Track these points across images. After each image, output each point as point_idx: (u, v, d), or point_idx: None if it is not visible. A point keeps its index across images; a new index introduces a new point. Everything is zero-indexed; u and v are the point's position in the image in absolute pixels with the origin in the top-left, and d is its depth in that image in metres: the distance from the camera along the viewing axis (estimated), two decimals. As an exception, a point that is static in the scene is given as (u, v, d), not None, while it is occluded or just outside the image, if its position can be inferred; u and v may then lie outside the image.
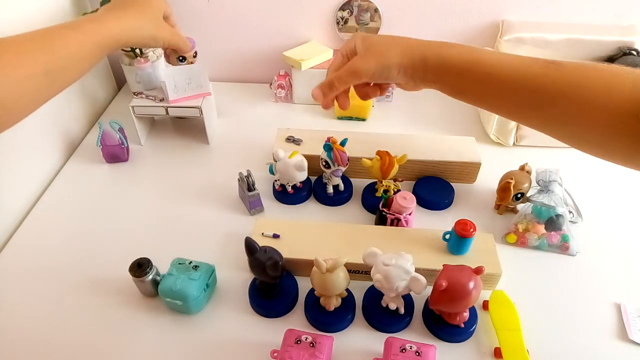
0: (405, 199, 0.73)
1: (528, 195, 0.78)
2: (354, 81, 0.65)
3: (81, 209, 0.82)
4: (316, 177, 0.85)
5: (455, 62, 0.60)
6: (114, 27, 0.60)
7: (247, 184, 0.78)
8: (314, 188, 0.85)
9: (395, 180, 0.82)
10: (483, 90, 0.58)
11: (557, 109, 0.51)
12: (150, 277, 0.65)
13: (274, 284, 0.66)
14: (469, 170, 0.86)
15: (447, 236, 0.70)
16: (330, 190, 0.82)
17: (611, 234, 0.78)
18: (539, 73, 0.52)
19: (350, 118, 1.04)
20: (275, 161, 0.80)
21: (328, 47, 1.05)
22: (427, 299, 0.65)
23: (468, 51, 0.61)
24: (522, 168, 0.80)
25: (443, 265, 0.60)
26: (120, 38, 0.61)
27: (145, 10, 0.66)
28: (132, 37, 0.63)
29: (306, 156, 0.79)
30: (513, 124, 0.92)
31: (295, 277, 0.70)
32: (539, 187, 0.76)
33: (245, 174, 0.78)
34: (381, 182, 0.81)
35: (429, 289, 0.61)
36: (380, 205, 0.76)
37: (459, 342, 0.63)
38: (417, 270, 0.60)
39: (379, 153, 0.77)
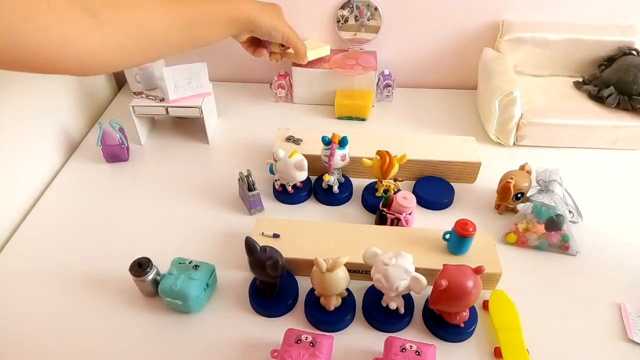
0: (405, 199, 0.73)
1: (528, 195, 0.78)
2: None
3: (81, 208, 0.82)
4: (316, 177, 0.85)
5: None
6: (247, 6, 0.67)
7: (247, 184, 0.78)
8: (314, 188, 0.85)
9: (395, 180, 0.82)
10: None
11: None
12: (151, 276, 0.65)
13: (274, 284, 0.66)
14: (469, 170, 0.86)
15: (447, 236, 0.70)
16: (329, 185, 0.82)
17: (611, 234, 0.78)
18: None
19: (350, 118, 1.04)
20: (275, 161, 0.80)
21: (326, 43, 1.05)
22: (427, 299, 0.65)
23: None
24: (522, 168, 0.80)
25: (443, 265, 0.60)
26: (251, 17, 0.67)
27: (272, 4, 0.74)
28: (259, 21, 0.69)
29: (306, 156, 0.79)
30: (513, 123, 0.92)
31: (295, 276, 0.70)
32: (539, 187, 0.76)
33: (245, 173, 0.78)
34: (381, 182, 0.81)
35: (429, 289, 0.61)
36: (380, 205, 0.76)
37: (459, 341, 0.63)
38: (417, 269, 0.60)
39: (379, 153, 0.77)
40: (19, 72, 0.47)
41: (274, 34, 0.73)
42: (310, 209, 0.83)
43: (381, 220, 0.76)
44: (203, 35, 0.64)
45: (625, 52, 0.97)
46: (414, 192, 0.83)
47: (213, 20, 0.64)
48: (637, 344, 0.63)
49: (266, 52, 0.82)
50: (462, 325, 0.62)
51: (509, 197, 0.77)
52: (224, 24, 0.65)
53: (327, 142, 0.79)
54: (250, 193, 0.78)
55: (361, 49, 1.08)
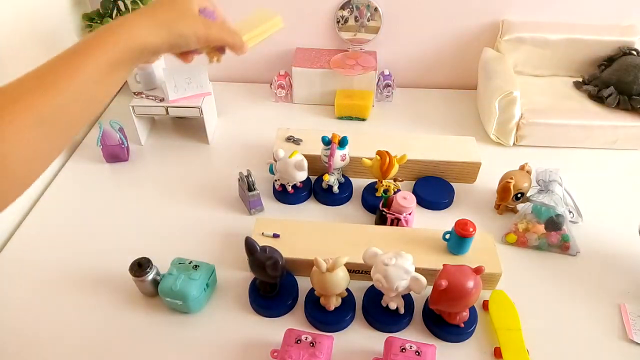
0: (405, 199, 0.73)
1: (528, 195, 0.78)
2: None
3: (81, 208, 0.82)
4: (316, 177, 0.85)
5: None
6: (122, 37, 0.49)
7: (247, 184, 0.78)
8: (314, 188, 0.85)
9: (395, 180, 0.82)
10: None
11: None
12: (151, 276, 0.65)
13: (274, 284, 0.66)
14: (469, 170, 0.86)
15: (447, 236, 0.70)
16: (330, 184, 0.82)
17: (611, 234, 0.78)
18: None
19: (350, 118, 1.04)
20: (275, 161, 0.80)
21: (274, 13, 0.77)
22: (427, 299, 0.65)
23: None
24: (522, 168, 0.80)
25: (443, 265, 0.60)
26: (134, 47, 0.50)
27: (166, 7, 0.55)
28: (152, 41, 0.51)
29: (306, 156, 0.79)
30: (513, 123, 0.92)
31: (295, 277, 0.70)
32: (539, 187, 0.76)
33: (245, 173, 0.78)
34: (381, 182, 0.81)
35: (429, 289, 0.61)
36: (380, 205, 0.76)
37: (459, 341, 0.63)
38: (417, 270, 0.60)
39: (379, 153, 0.77)
40: None
41: (182, 43, 0.55)
42: (310, 209, 0.83)
43: (381, 220, 0.76)
44: (77, 119, 0.47)
45: (625, 52, 0.97)
46: (414, 192, 0.83)
47: (77, 95, 0.45)
48: (637, 344, 0.63)
49: (196, 54, 0.63)
50: (462, 325, 0.62)
51: (509, 197, 0.77)
52: (96, 86, 0.47)
53: (327, 142, 0.79)
54: (250, 193, 0.78)
55: (361, 49, 1.08)
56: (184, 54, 0.61)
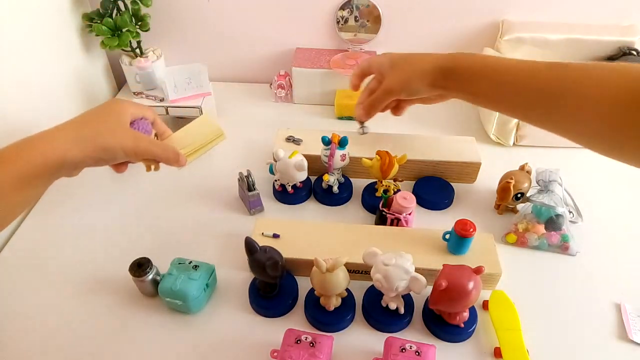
0: (405, 199, 0.73)
1: (528, 195, 0.78)
2: (389, 98, 0.72)
3: (81, 208, 0.82)
4: (316, 177, 0.85)
5: (472, 68, 0.63)
6: (38, 150, 0.46)
7: (247, 184, 0.78)
8: (314, 188, 0.85)
9: (395, 180, 0.82)
10: (498, 93, 0.61)
11: (561, 106, 0.53)
12: (150, 277, 0.65)
13: (274, 284, 0.66)
14: (469, 170, 0.86)
15: (447, 236, 0.70)
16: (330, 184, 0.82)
17: (611, 234, 0.78)
18: (546, 74, 0.55)
19: (350, 118, 1.04)
20: (275, 161, 0.80)
21: (217, 126, 0.74)
22: (427, 299, 0.65)
23: (481, 58, 0.64)
24: (522, 168, 0.80)
25: (443, 265, 0.60)
26: (51, 161, 0.47)
27: (94, 120, 0.52)
28: (73, 155, 0.48)
29: (306, 156, 0.79)
30: (513, 123, 0.92)
31: (295, 277, 0.70)
32: (539, 187, 0.76)
33: (245, 174, 0.78)
34: (381, 182, 0.81)
35: (429, 289, 0.61)
36: (380, 205, 0.76)
37: (459, 342, 0.63)
38: (417, 270, 0.60)
39: (379, 153, 0.77)
40: None
41: (107, 157, 0.52)
42: (310, 209, 0.83)
43: (381, 221, 0.76)
44: None
45: (625, 52, 0.97)
46: (414, 192, 0.83)
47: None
48: (637, 344, 0.63)
49: (129, 164, 0.62)
50: (462, 325, 0.62)
51: (509, 197, 0.77)
52: (19, 190, 0.45)
53: (327, 142, 0.79)
54: (250, 193, 0.78)
55: (361, 49, 1.08)
56: (117, 165, 0.60)
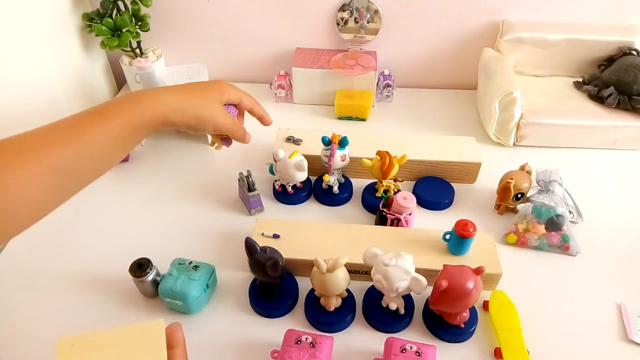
0: (405, 199, 0.73)
1: (528, 195, 0.78)
2: None
3: (81, 209, 0.82)
4: (316, 178, 0.85)
5: None
6: (147, 108, 0.52)
7: (248, 184, 0.78)
8: (314, 188, 0.85)
9: (395, 180, 0.82)
10: None
11: None
12: (151, 277, 0.65)
13: (274, 284, 0.66)
14: (469, 170, 0.86)
15: (447, 236, 0.70)
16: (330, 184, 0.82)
17: (611, 234, 0.78)
18: None
19: (350, 118, 1.04)
20: (275, 161, 0.80)
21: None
22: (427, 299, 0.65)
23: None
24: (522, 168, 0.80)
25: (443, 266, 0.60)
26: (155, 119, 0.53)
27: (198, 92, 0.59)
28: (174, 118, 0.55)
29: (306, 156, 0.79)
30: (513, 123, 0.92)
31: (295, 277, 0.70)
32: (539, 187, 0.76)
33: (245, 174, 0.78)
34: (381, 182, 0.81)
35: (429, 289, 0.61)
36: (381, 205, 0.76)
37: (459, 342, 0.63)
38: (417, 270, 0.60)
39: (379, 153, 0.77)
40: None
41: (200, 127, 0.59)
42: (310, 209, 0.83)
43: (381, 221, 0.76)
44: (89, 174, 0.50)
45: (625, 52, 0.97)
46: (414, 192, 0.83)
47: (93, 153, 0.48)
48: (637, 344, 0.63)
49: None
50: (463, 325, 0.62)
51: (509, 197, 0.77)
52: (111, 148, 0.49)
53: (327, 142, 0.79)
54: (250, 193, 0.78)
55: (361, 49, 1.08)
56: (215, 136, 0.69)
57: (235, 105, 0.66)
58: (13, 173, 0.41)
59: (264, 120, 0.71)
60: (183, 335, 0.44)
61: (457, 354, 0.62)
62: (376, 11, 1.02)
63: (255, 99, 0.68)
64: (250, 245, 0.62)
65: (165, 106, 0.54)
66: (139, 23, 0.98)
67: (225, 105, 0.63)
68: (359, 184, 0.85)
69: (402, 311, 0.63)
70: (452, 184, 0.85)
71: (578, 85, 1.02)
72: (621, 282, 0.71)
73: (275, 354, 0.58)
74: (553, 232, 0.74)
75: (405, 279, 0.59)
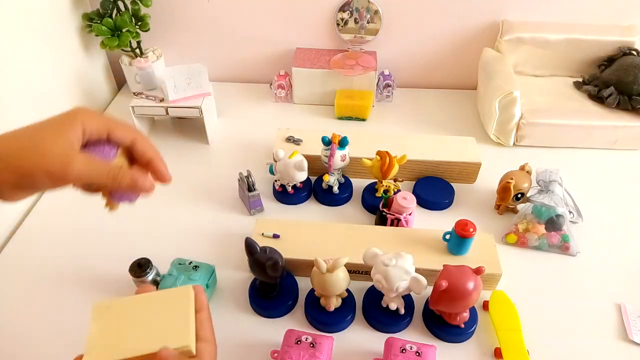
0: (405, 199, 0.73)
1: (528, 195, 0.78)
2: None
3: (81, 209, 0.82)
4: (316, 178, 0.85)
5: None
6: None
7: (247, 184, 0.77)
8: (314, 188, 0.85)
9: (395, 180, 0.82)
10: None
11: None
12: (151, 277, 0.65)
13: (274, 284, 0.66)
14: (469, 171, 0.86)
15: (447, 236, 0.70)
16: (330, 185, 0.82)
17: (611, 234, 0.78)
18: None
19: (350, 118, 1.04)
20: (275, 161, 0.80)
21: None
22: (427, 299, 0.65)
23: None
24: (522, 168, 0.80)
25: (443, 266, 0.60)
26: None
27: (29, 132, 0.40)
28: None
29: (306, 156, 0.79)
30: (513, 123, 0.92)
31: (295, 277, 0.70)
32: (539, 187, 0.76)
33: (245, 174, 0.78)
34: (381, 182, 0.81)
35: (429, 289, 0.61)
36: (381, 206, 0.76)
37: (459, 342, 0.63)
38: (417, 270, 0.60)
39: (379, 153, 0.77)
40: None
41: (26, 184, 0.39)
42: (310, 209, 0.83)
43: (381, 221, 0.76)
44: None
45: (625, 52, 0.97)
46: (414, 192, 0.83)
47: None
48: (637, 344, 0.63)
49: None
50: (463, 325, 0.62)
51: (509, 197, 0.77)
52: None
53: (327, 142, 0.79)
54: (250, 193, 0.78)
55: (361, 49, 1.08)
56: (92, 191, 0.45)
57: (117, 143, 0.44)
58: None
59: (159, 175, 0.48)
60: (207, 300, 0.42)
61: (457, 354, 0.62)
62: (376, 11, 1.02)
63: (146, 138, 0.46)
64: (250, 245, 0.62)
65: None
66: (139, 23, 0.98)
67: (92, 146, 0.43)
68: (359, 184, 0.85)
69: (402, 311, 0.63)
70: (452, 184, 0.85)
71: (578, 85, 1.02)
72: (621, 282, 0.71)
73: (275, 354, 0.58)
74: (553, 232, 0.74)
75: (405, 279, 0.59)
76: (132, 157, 0.46)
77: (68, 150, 0.40)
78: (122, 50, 1.00)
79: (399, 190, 0.81)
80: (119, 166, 0.43)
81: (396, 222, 0.74)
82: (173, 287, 0.43)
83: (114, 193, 0.45)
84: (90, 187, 0.44)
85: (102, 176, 0.42)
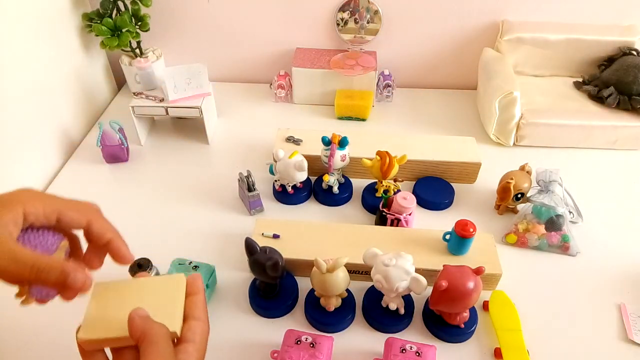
0: (405, 199, 0.73)
1: (528, 195, 0.78)
2: None
3: (81, 209, 0.82)
4: (316, 178, 0.85)
5: None
6: None
7: (247, 184, 0.77)
8: (314, 188, 0.85)
9: (395, 180, 0.82)
10: None
11: None
12: (150, 277, 0.65)
13: (274, 284, 0.66)
14: (469, 171, 0.86)
15: (447, 236, 0.70)
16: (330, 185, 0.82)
17: (611, 234, 0.78)
18: None
19: (350, 118, 1.04)
20: (275, 161, 0.80)
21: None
22: (427, 300, 0.65)
23: None
24: (522, 168, 0.80)
25: (443, 266, 0.60)
26: None
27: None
28: None
29: (306, 156, 0.79)
30: (513, 123, 0.92)
31: (295, 277, 0.70)
32: (539, 187, 0.76)
33: (245, 174, 0.78)
34: (381, 182, 0.81)
35: (429, 289, 0.61)
36: (380, 206, 0.76)
37: (459, 342, 0.63)
38: (417, 270, 0.60)
39: (379, 153, 0.77)
40: None
41: None
42: (310, 209, 0.83)
43: (381, 221, 0.76)
44: None
45: (625, 52, 0.97)
46: (414, 192, 0.83)
47: None
48: (637, 344, 0.63)
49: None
50: (463, 325, 0.62)
51: (509, 197, 0.77)
52: None
53: (327, 142, 0.79)
54: (250, 193, 0.78)
55: (361, 49, 1.08)
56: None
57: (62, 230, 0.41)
58: None
59: (119, 257, 0.43)
60: (203, 285, 0.43)
61: (457, 354, 0.62)
62: (376, 11, 1.02)
63: (102, 217, 0.44)
64: (250, 245, 0.62)
65: None
66: (139, 23, 0.98)
67: (34, 232, 0.39)
68: (359, 184, 0.85)
69: (402, 311, 0.63)
70: (452, 184, 0.85)
71: (578, 85, 1.02)
72: (621, 282, 0.71)
73: (275, 354, 0.58)
74: (553, 232, 0.74)
75: (405, 279, 0.59)
76: (89, 239, 0.42)
77: (12, 243, 0.36)
78: (122, 50, 1.00)
79: (399, 190, 0.81)
80: (45, 262, 0.37)
81: (396, 222, 0.74)
82: (166, 275, 0.46)
83: (33, 288, 0.41)
84: (9, 280, 0.37)
85: (24, 272, 0.36)
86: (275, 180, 0.83)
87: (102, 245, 0.43)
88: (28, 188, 0.40)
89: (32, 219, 0.38)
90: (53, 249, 0.42)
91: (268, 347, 0.60)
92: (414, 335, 0.64)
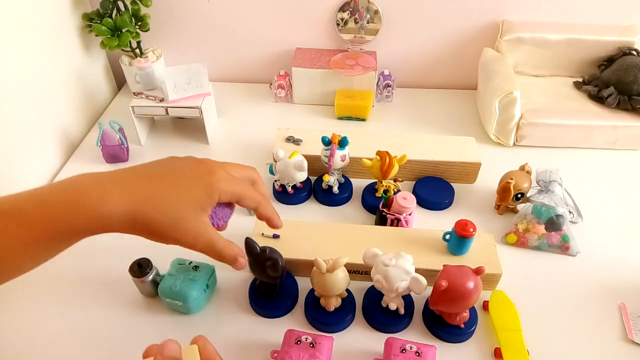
0: (405, 199, 0.73)
1: (528, 195, 0.78)
2: None
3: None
4: (316, 178, 0.85)
5: None
6: (82, 216, 0.39)
7: (247, 184, 0.77)
8: (314, 188, 0.85)
9: (395, 180, 0.82)
10: None
11: None
12: (150, 277, 0.65)
13: (274, 284, 0.66)
14: (469, 171, 0.86)
15: (447, 236, 0.70)
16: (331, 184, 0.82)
17: (611, 234, 0.78)
18: None
19: (350, 118, 1.04)
20: (275, 161, 0.80)
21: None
22: (427, 300, 0.65)
23: None
24: (522, 168, 0.80)
25: (443, 266, 0.60)
26: (91, 229, 0.41)
27: (165, 189, 0.42)
28: (114, 228, 0.41)
29: (306, 156, 0.79)
30: (513, 123, 0.92)
31: (295, 277, 0.70)
32: (539, 187, 0.76)
33: (245, 174, 0.78)
34: (381, 182, 0.81)
35: (429, 289, 0.61)
36: (380, 206, 0.76)
37: (459, 342, 0.63)
38: (417, 270, 0.60)
39: (379, 153, 0.77)
40: None
41: (158, 240, 0.45)
42: (310, 209, 0.83)
43: (381, 221, 0.76)
44: None
45: (625, 52, 0.97)
46: (414, 192, 0.83)
47: None
48: (637, 344, 0.63)
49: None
50: (462, 326, 0.62)
51: (509, 197, 0.77)
52: (16, 258, 0.42)
53: (327, 142, 0.79)
54: (250, 193, 0.78)
55: (361, 49, 1.08)
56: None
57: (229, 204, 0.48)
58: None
59: (271, 223, 0.53)
60: (212, 346, 0.40)
61: (457, 354, 0.62)
62: (376, 11, 1.02)
63: (263, 190, 0.52)
64: (250, 245, 0.62)
65: (108, 216, 0.40)
66: (139, 23, 0.98)
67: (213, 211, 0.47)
68: (359, 184, 0.85)
69: (402, 311, 0.63)
70: (452, 184, 0.85)
71: (578, 85, 1.02)
72: (621, 282, 0.71)
73: (275, 354, 0.58)
74: (553, 232, 0.74)
75: (405, 279, 0.59)
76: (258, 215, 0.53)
77: (202, 232, 0.46)
78: (122, 50, 1.00)
79: (399, 190, 0.81)
80: (227, 251, 0.49)
81: (396, 222, 0.74)
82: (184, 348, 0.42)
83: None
84: (195, 250, 0.48)
85: (211, 253, 0.49)
86: (275, 180, 0.83)
87: (263, 219, 0.52)
88: (221, 173, 0.46)
89: (220, 201, 0.46)
90: (228, 219, 0.53)
91: (268, 347, 0.60)
92: (414, 335, 0.64)
